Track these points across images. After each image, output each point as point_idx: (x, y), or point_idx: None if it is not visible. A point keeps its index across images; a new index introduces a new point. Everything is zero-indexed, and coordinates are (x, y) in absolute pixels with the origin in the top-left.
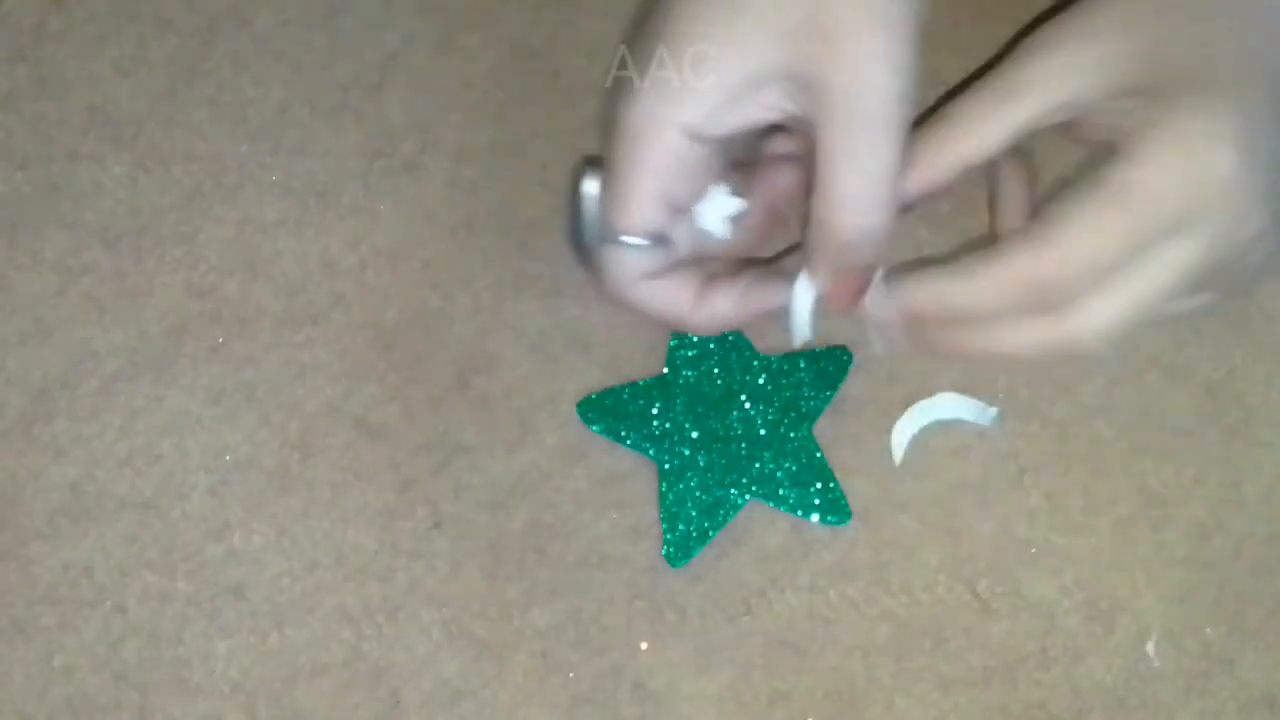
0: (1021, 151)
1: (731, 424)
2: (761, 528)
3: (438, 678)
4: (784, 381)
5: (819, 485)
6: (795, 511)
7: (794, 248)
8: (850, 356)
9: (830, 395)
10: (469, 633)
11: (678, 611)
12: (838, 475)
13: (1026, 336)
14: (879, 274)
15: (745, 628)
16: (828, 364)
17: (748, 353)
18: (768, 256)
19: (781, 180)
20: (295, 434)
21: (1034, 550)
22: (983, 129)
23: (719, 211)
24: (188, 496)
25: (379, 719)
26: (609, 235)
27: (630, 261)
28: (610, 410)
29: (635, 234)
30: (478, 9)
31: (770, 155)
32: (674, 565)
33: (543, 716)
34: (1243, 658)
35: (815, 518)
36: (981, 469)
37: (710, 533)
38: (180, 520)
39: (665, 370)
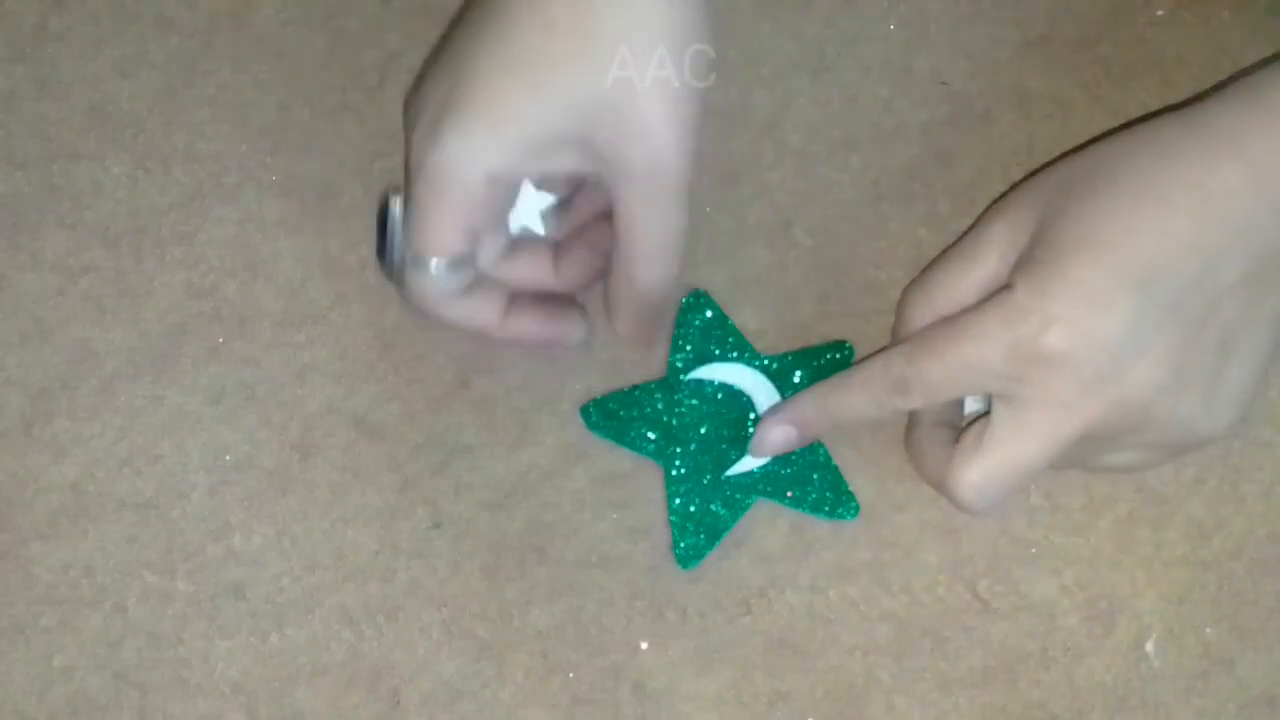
0: None
1: (735, 424)
2: (761, 528)
3: (438, 678)
4: (786, 379)
5: (825, 482)
6: (803, 509)
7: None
8: (851, 351)
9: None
10: (469, 633)
11: (678, 611)
12: None
13: (925, 469)
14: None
15: (745, 628)
16: (829, 360)
17: (748, 352)
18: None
19: (605, 236)
20: (295, 434)
21: (1034, 550)
22: (957, 291)
23: (533, 208)
24: (188, 496)
25: (379, 719)
26: (413, 259)
27: (433, 284)
28: (613, 412)
29: (435, 257)
30: None
31: (595, 213)
32: (685, 567)
33: (543, 716)
34: (1243, 658)
35: (823, 514)
36: None
37: (720, 533)
38: (180, 520)
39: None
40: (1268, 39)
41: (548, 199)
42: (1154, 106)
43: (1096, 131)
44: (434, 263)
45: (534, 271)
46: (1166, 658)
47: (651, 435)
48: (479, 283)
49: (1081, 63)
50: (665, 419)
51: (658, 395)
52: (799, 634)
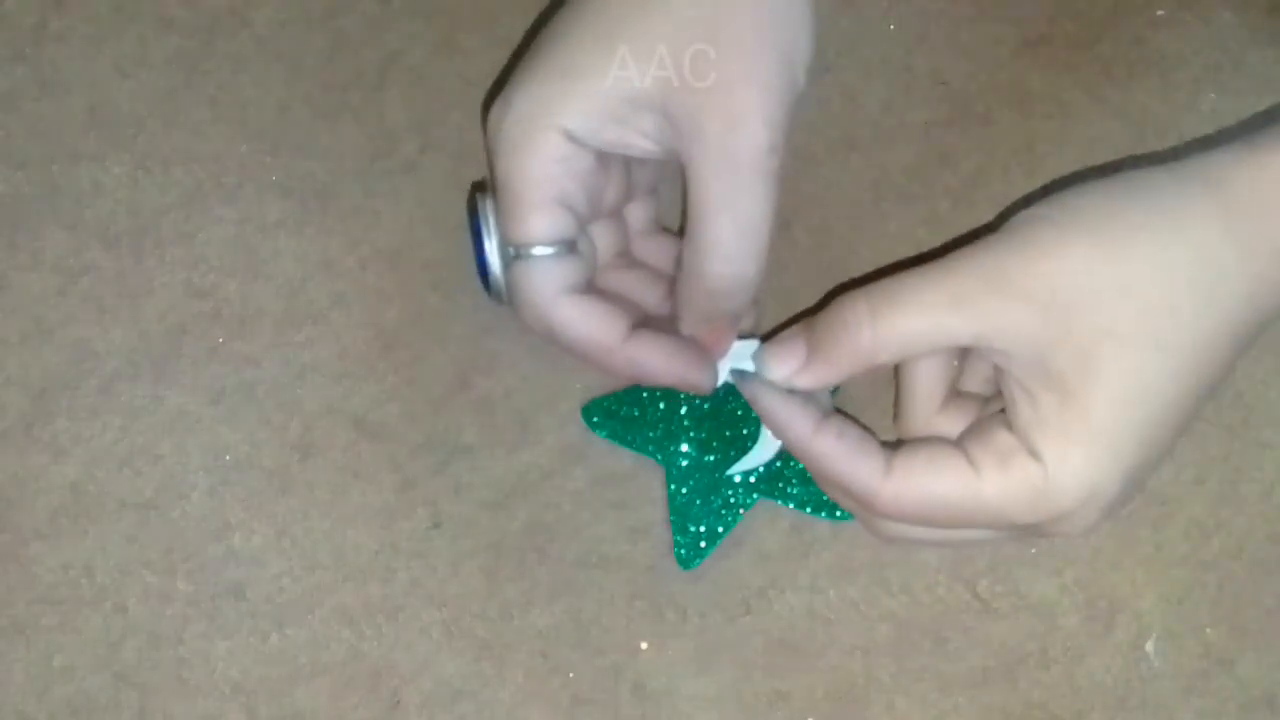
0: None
1: (736, 423)
2: (761, 528)
3: (438, 678)
4: None
5: None
6: (804, 508)
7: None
8: None
9: (835, 390)
10: (469, 633)
11: (678, 611)
12: None
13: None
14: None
15: (745, 628)
16: None
17: None
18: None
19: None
20: (295, 434)
21: (1034, 550)
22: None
23: (743, 353)
24: (188, 496)
25: (379, 719)
26: (514, 251)
27: (543, 274)
28: (615, 413)
29: (539, 242)
30: (478, 9)
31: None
32: (686, 567)
33: (543, 716)
34: (1243, 658)
35: (824, 514)
36: None
37: (721, 533)
38: (180, 520)
39: None
40: (1268, 39)
41: (753, 344)
42: (1154, 107)
43: (1097, 132)
44: (535, 249)
45: (646, 288)
46: (1166, 658)
47: (651, 435)
48: (597, 296)
49: (1081, 63)
50: (666, 419)
51: (658, 395)
52: (799, 634)
